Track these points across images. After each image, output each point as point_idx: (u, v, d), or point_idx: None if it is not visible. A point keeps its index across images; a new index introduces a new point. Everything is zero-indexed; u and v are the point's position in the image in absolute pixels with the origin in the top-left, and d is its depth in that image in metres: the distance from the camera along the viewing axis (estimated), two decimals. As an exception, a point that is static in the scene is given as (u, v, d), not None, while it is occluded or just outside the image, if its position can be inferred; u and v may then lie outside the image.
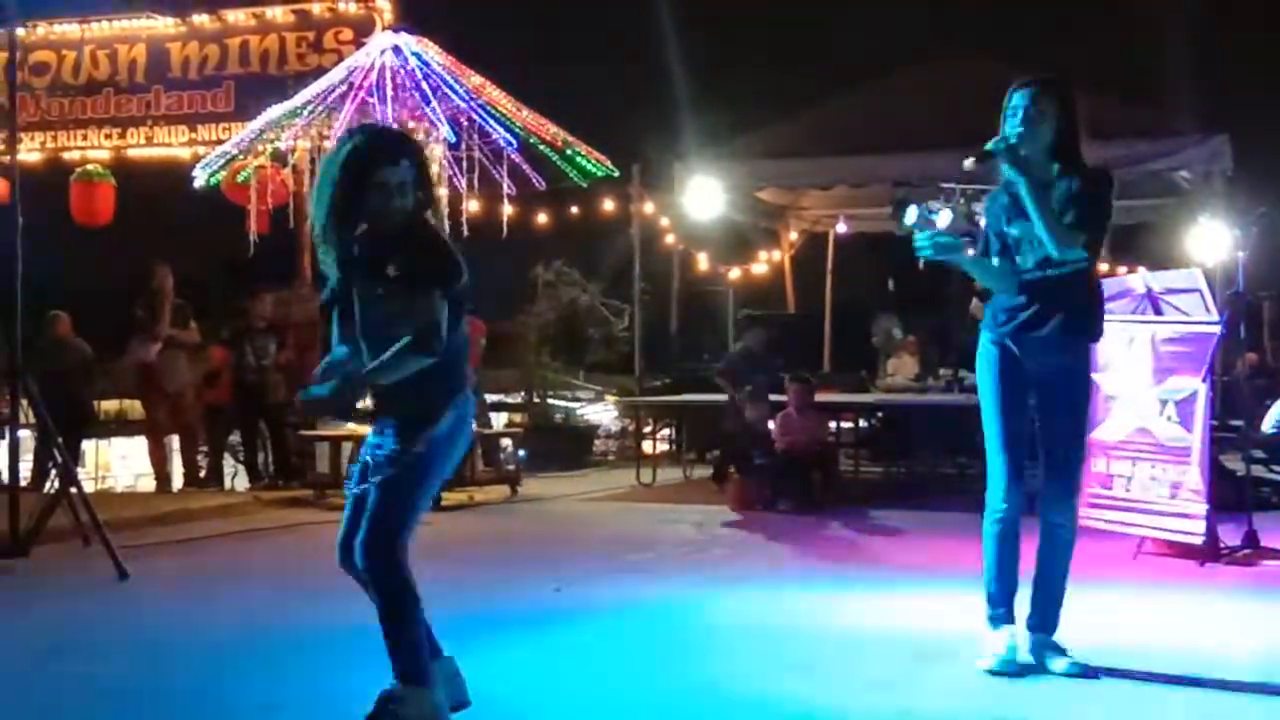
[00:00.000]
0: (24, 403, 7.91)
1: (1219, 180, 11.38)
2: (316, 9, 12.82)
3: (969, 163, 4.74)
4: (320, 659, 5.04)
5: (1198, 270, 7.41)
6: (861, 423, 13.32)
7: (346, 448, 11.72)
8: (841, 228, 16.22)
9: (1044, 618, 4.77)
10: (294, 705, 4.41)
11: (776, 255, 16.24)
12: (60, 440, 7.76)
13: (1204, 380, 7.01)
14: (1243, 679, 4.59)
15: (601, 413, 17.06)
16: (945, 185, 12.52)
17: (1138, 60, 19.29)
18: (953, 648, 4.98)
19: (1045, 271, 4.67)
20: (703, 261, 15.28)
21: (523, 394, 17.23)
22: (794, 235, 16.31)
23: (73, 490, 7.51)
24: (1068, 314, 4.66)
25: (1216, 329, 7.06)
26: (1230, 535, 7.27)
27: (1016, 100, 4.72)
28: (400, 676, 3.82)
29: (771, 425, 10.59)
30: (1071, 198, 4.62)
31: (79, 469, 8.28)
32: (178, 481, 12.09)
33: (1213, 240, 11.58)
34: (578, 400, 17.01)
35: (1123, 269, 13.17)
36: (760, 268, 16.26)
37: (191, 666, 4.96)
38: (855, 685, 4.58)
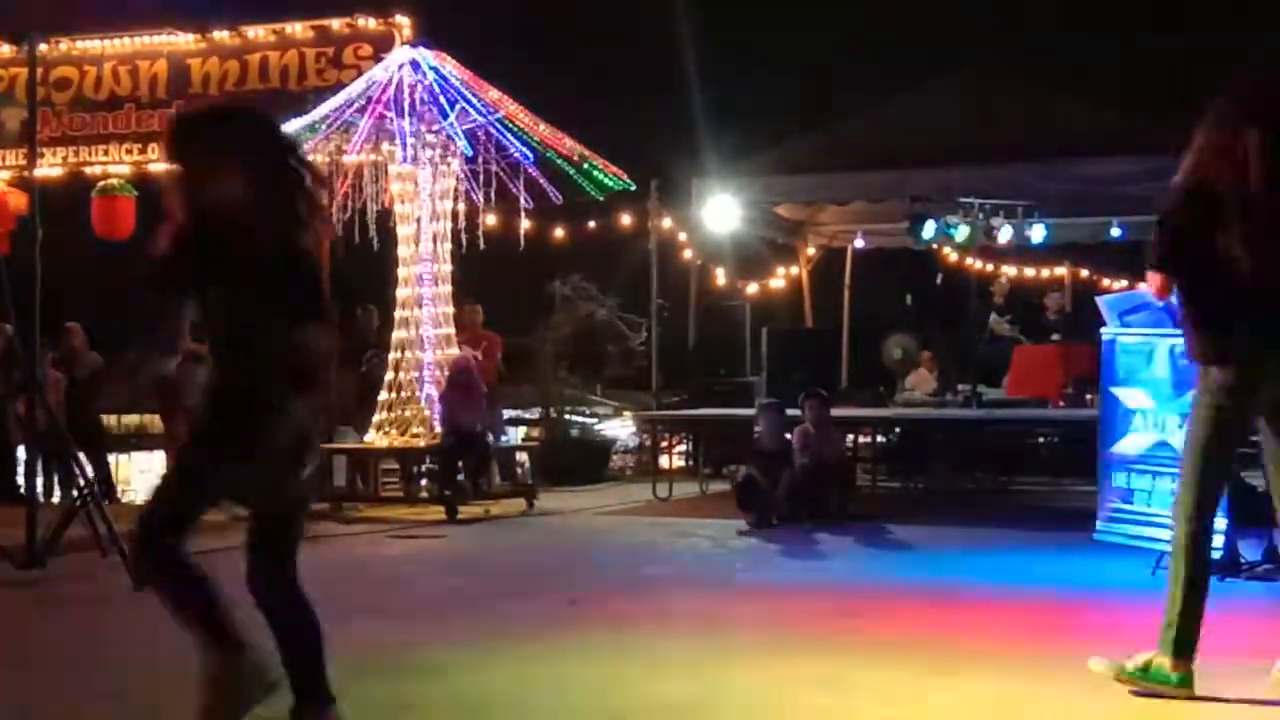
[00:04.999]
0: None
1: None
2: (336, 25, 12.87)
3: None
4: (333, 671, 5.01)
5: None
6: (879, 437, 13.29)
7: (365, 461, 11.77)
8: (859, 243, 16.20)
9: None
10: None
11: (794, 270, 16.22)
12: (78, 453, 7.78)
13: (1224, 394, 6.96)
14: (1264, 695, 4.54)
15: (619, 428, 17.02)
16: (963, 200, 12.53)
17: (1170, 74, 19.21)
18: (966, 662, 4.96)
19: None
20: (720, 276, 15.27)
21: (540, 409, 17.22)
22: (812, 250, 16.30)
23: (90, 502, 7.54)
24: None
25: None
26: (1250, 551, 7.22)
27: None
28: None
29: (789, 438, 10.53)
30: None
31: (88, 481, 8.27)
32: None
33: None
34: (595, 415, 16.99)
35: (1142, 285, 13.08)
36: (778, 283, 16.25)
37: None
38: (870, 698, 4.56)
